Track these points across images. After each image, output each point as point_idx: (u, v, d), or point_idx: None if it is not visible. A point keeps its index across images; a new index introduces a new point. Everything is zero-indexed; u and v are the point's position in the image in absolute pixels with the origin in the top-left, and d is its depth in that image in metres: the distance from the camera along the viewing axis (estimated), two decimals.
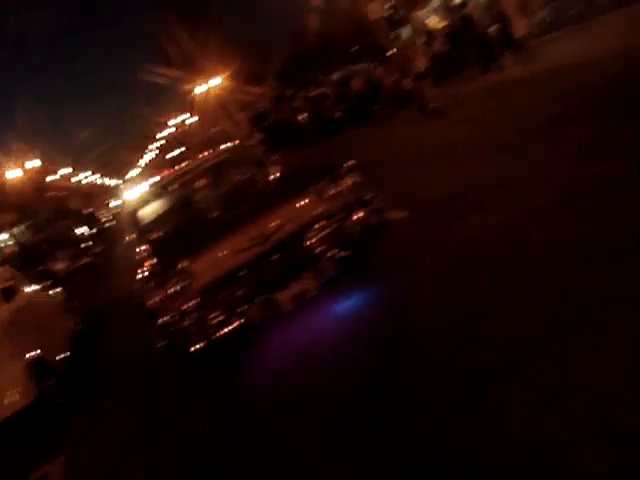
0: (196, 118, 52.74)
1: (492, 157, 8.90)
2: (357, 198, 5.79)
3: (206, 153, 9.32)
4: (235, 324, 5.24)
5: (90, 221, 34.52)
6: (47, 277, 22.65)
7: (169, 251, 5.89)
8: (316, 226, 5.54)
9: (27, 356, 7.09)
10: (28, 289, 9.15)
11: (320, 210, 5.61)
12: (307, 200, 5.66)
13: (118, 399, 6.92)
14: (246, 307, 5.28)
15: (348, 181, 5.79)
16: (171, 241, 6.37)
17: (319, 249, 5.50)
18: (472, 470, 3.04)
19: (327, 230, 5.58)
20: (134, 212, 7.79)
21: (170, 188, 7.93)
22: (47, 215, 40.53)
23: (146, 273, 5.59)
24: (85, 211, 42.73)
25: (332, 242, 5.55)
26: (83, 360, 9.18)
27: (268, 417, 4.57)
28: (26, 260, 26.49)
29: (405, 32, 32.92)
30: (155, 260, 5.77)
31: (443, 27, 25.92)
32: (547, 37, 19.76)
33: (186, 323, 5.14)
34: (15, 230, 48.20)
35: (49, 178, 57.73)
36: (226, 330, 5.22)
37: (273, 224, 5.47)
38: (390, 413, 3.85)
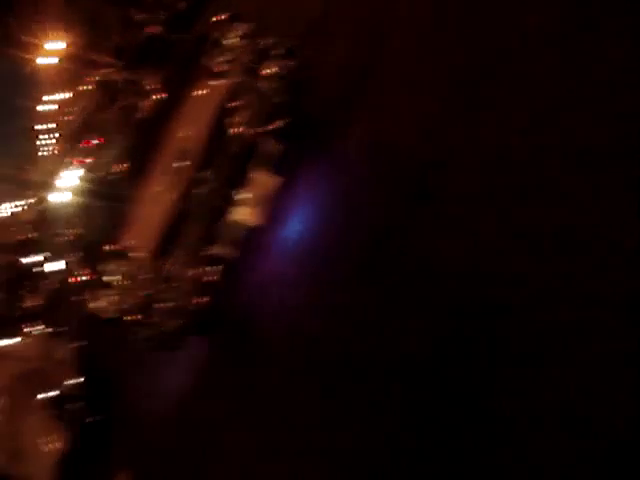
0: None
1: None
2: (254, 52, 4.43)
3: None
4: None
5: None
6: None
7: (92, 244, 4.64)
8: (231, 107, 4.23)
9: None
10: None
11: (221, 88, 4.27)
12: (200, 88, 4.32)
13: None
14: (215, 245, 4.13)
15: (232, 37, 4.40)
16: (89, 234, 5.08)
17: (250, 133, 4.23)
18: None
19: (246, 107, 4.28)
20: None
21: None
22: None
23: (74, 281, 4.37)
24: None
25: (259, 118, 4.27)
26: None
27: None
28: None
29: None
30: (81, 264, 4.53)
31: None
32: None
33: (155, 309, 4.00)
34: None
35: None
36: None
37: (182, 136, 4.19)
38: None
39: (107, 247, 4.12)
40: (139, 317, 4.04)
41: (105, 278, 4.03)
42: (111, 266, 4.08)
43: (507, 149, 2.90)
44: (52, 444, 6.20)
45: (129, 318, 4.01)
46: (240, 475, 3.82)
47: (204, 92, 4.37)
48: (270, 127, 4.24)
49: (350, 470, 3.06)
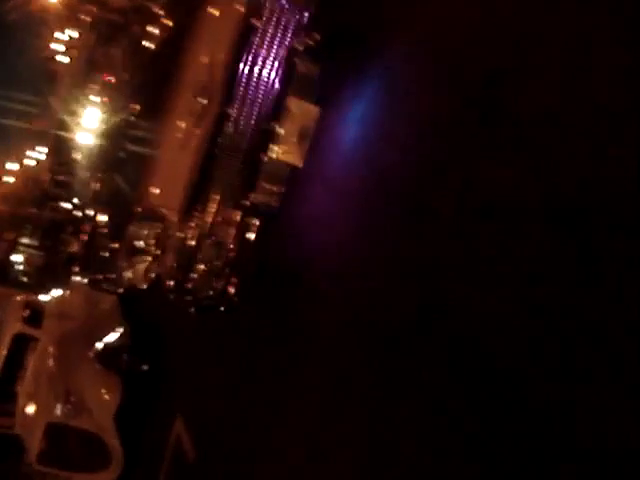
0: None
1: None
2: None
3: None
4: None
5: None
6: None
7: (120, 200, 4.14)
8: (253, 25, 3.53)
9: None
10: None
11: (240, 3, 3.56)
12: (215, 6, 3.62)
13: None
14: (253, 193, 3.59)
15: None
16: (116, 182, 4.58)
17: (280, 55, 3.56)
18: None
19: (271, 23, 3.58)
20: None
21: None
22: None
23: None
24: None
25: (288, 35, 3.58)
26: None
27: None
28: None
29: None
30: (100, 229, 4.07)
31: None
32: None
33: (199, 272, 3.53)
34: None
35: None
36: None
37: (200, 65, 3.57)
38: None
39: (136, 208, 3.59)
40: (177, 283, 3.58)
41: (137, 243, 3.54)
42: (141, 228, 3.57)
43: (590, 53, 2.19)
44: (109, 395, 6.23)
45: (167, 285, 3.55)
46: (286, 416, 3.62)
47: (220, 10, 3.67)
48: (303, 45, 3.55)
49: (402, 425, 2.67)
